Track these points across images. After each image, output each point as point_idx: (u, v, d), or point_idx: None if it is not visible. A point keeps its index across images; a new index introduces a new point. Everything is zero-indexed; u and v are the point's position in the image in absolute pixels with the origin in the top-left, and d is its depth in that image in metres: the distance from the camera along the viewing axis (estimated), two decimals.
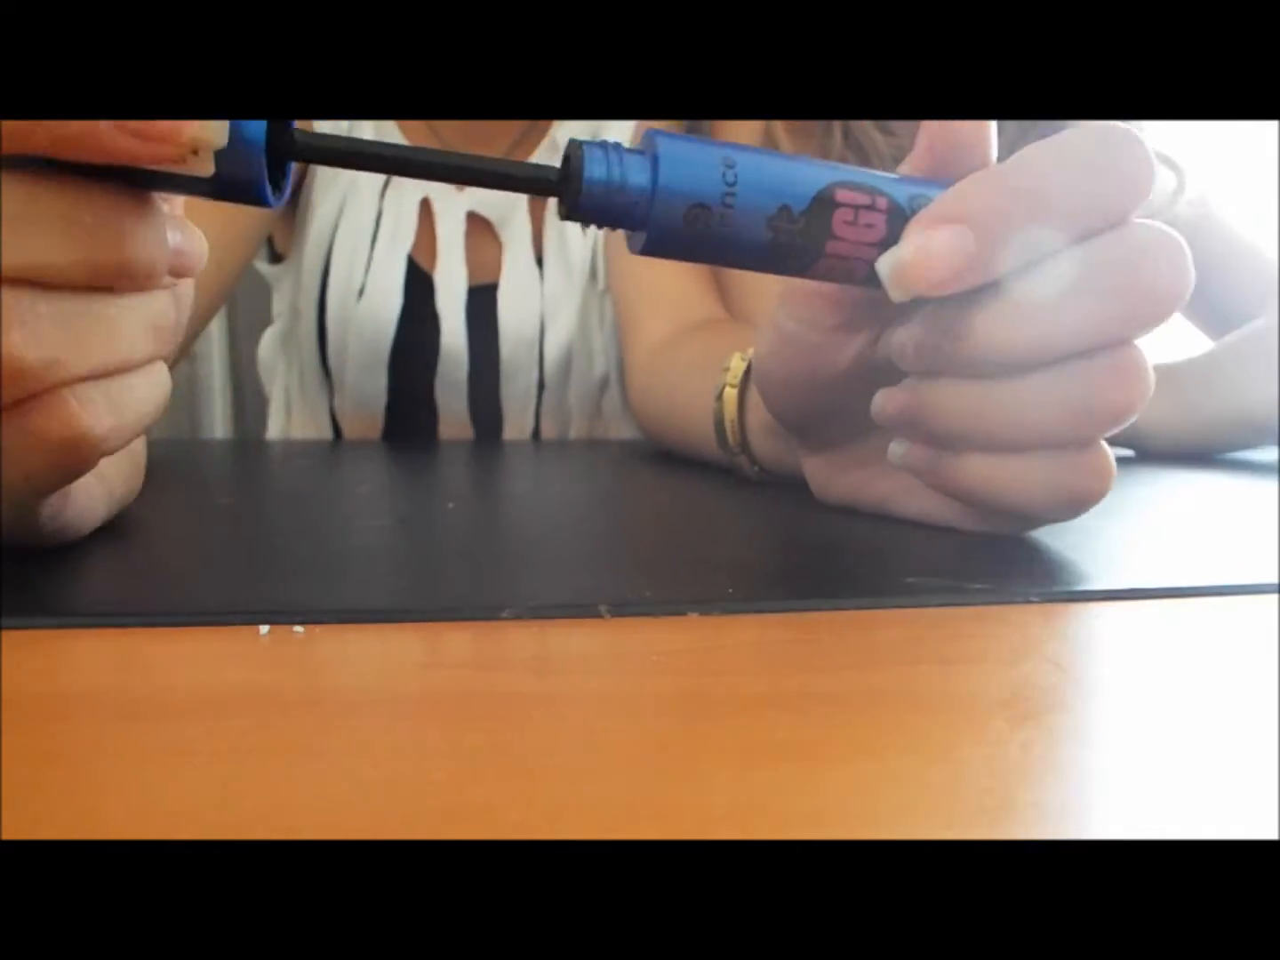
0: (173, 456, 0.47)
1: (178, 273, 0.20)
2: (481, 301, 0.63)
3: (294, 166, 0.20)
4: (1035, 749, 0.13)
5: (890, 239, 0.21)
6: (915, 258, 0.20)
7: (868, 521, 0.28)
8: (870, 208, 0.21)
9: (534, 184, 0.20)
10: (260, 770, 0.12)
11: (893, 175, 0.22)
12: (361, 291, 0.62)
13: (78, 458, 0.18)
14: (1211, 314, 0.70)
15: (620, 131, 0.64)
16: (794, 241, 0.21)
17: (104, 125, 0.16)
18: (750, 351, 0.36)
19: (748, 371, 0.36)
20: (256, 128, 0.18)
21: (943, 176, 0.22)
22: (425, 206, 0.64)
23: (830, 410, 0.28)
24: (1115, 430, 0.22)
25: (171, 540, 0.25)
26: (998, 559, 0.23)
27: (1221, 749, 0.13)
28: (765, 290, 0.59)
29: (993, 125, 0.21)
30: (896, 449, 0.26)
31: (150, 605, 0.18)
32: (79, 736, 0.12)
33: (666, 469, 0.42)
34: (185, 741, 0.12)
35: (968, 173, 0.21)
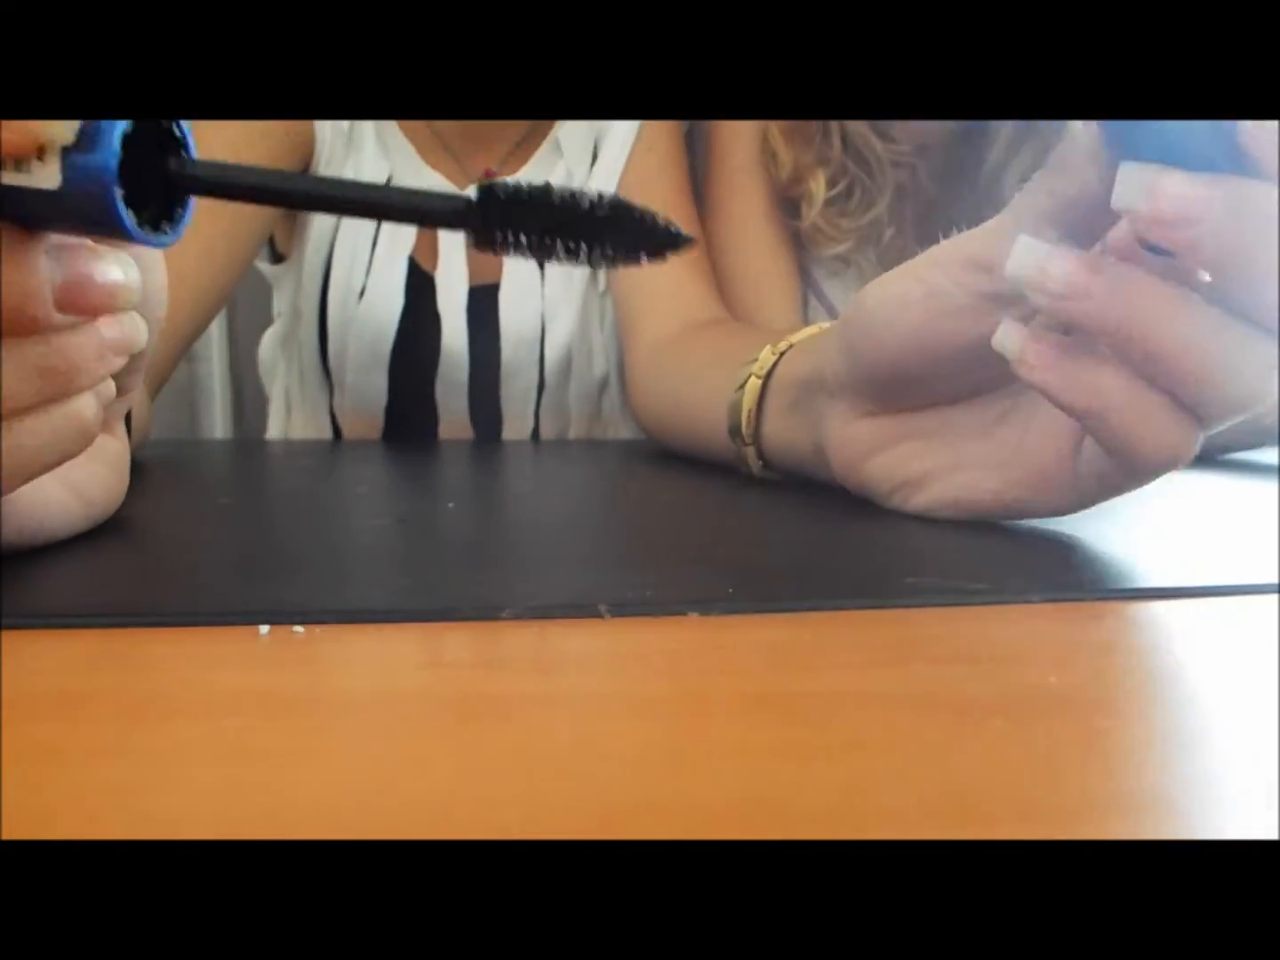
0: (173, 456, 0.47)
1: (100, 309, 0.19)
2: (482, 302, 0.63)
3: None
4: (1035, 749, 0.13)
5: None
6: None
7: (868, 521, 0.28)
8: None
9: (441, 217, 0.17)
10: (260, 770, 0.12)
11: None
12: (362, 292, 0.62)
13: None
14: None
15: (622, 131, 0.64)
16: None
17: None
18: (782, 345, 0.37)
19: (775, 364, 0.37)
20: (106, 144, 0.16)
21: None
22: None
23: (924, 375, 0.28)
24: (1236, 417, 0.22)
25: (171, 540, 0.25)
26: (998, 559, 0.23)
27: (1221, 749, 0.13)
28: (765, 287, 0.60)
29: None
30: (1013, 335, 0.24)
31: (150, 605, 0.18)
32: (79, 736, 0.12)
33: (666, 469, 0.42)
34: (185, 741, 0.12)
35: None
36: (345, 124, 0.64)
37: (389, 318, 0.62)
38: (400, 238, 0.63)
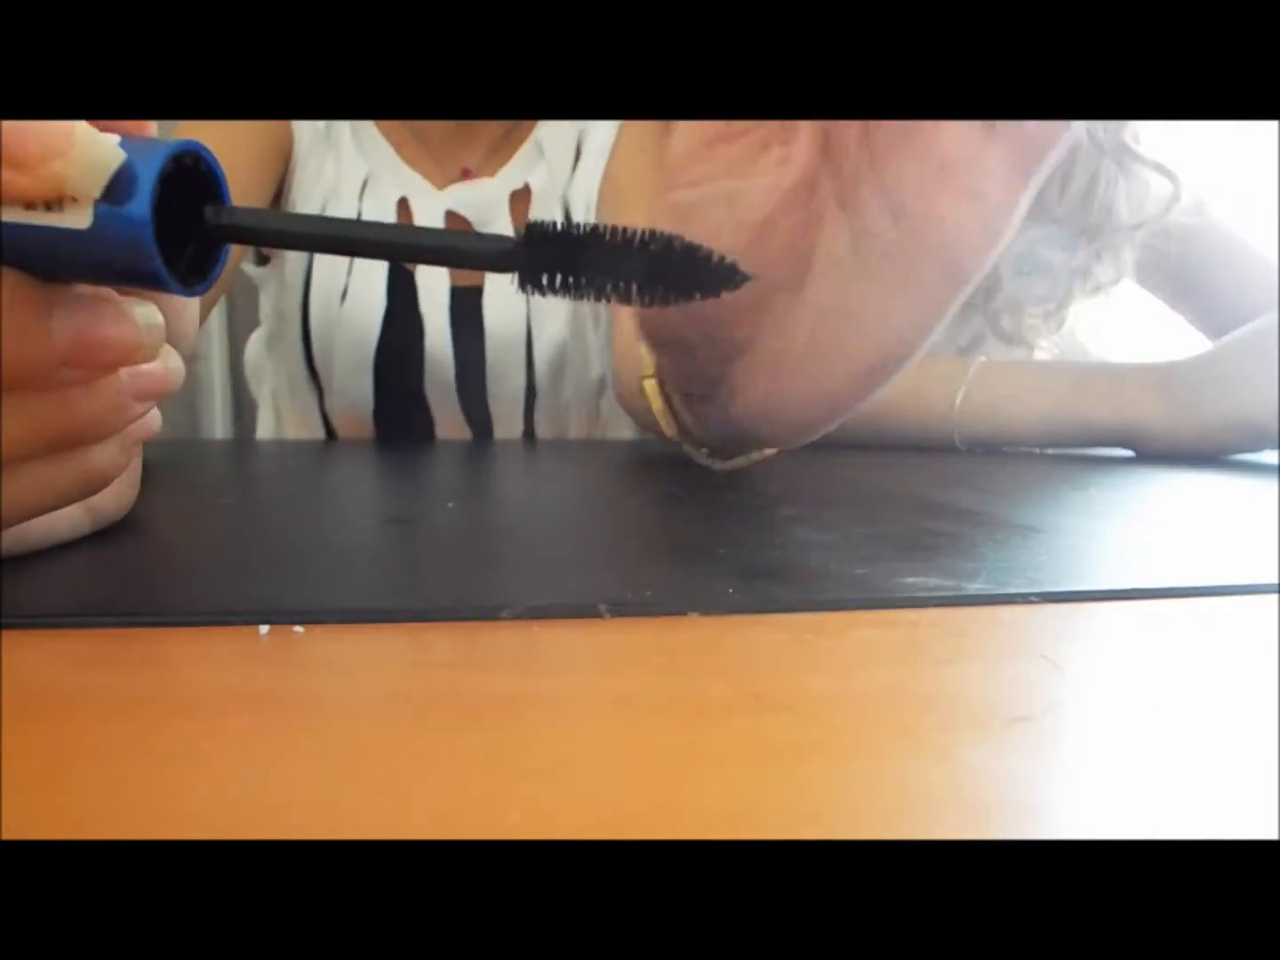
0: (173, 456, 0.47)
1: (114, 367, 0.18)
2: (467, 303, 0.63)
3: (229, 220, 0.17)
4: (1034, 749, 0.13)
5: None
6: None
7: (867, 522, 0.28)
8: None
9: (487, 258, 0.17)
10: (260, 770, 0.12)
11: None
12: (345, 294, 0.62)
13: None
14: (1210, 316, 0.71)
15: (603, 132, 0.64)
16: None
17: None
18: None
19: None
20: (143, 186, 0.15)
21: None
22: (404, 206, 0.64)
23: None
24: None
25: (171, 540, 0.25)
26: (997, 559, 0.23)
27: (1221, 749, 0.13)
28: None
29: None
30: None
31: (150, 605, 0.18)
32: (79, 736, 0.12)
33: (666, 469, 0.42)
34: (185, 741, 0.12)
35: None
36: (322, 123, 0.64)
37: (372, 320, 0.62)
38: None
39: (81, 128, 0.15)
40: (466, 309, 0.63)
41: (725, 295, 0.20)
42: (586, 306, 0.66)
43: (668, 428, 0.35)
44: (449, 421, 0.65)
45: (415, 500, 0.34)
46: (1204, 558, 0.25)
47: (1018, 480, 0.42)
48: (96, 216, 0.15)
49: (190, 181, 0.17)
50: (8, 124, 0.15)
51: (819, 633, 0.18)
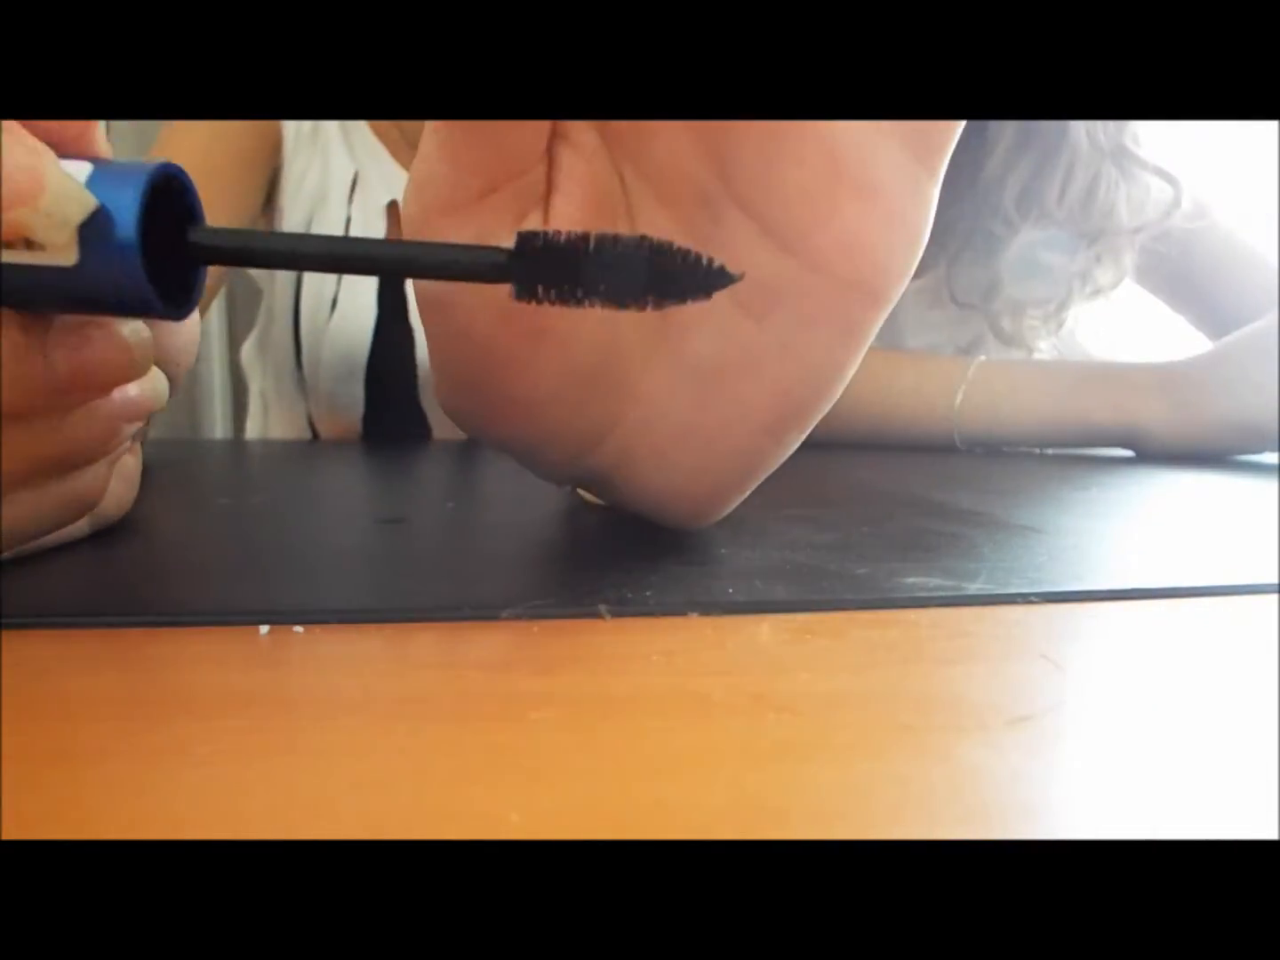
0: (173, 456, 0.47)
1: (107, 389, 0.18)
2: None
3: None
4: (1034, 749, 0.13)
5: None
6: None
7: (867, 522, 0.28)
8: None
9: (478, 271, 0.16)
10: (260, 770, 0.12)
11: None
12: (335, 303, 0.62)
13: None
14: (1211, 317, 0.71)
15: None
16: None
17: None
18: None
19: None
20: (126, 210, 0.15)
21: None
22: (395, 208, 0.63)
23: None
24: None
25: (171, 540, 0.25)
26: (998, 559, 0.23)
27: (1221, 749, 0.13)
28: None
29: None
30: None
31: (150, 605, 0.18)
32: (79, 736, 0.12)
33: None
34: (185, 741, 0.12)
35: None
36: (308, 123, 0.64)
37: (363, 329, 0.62)
38: None
39: (54, 173, 0.15)
40: None
41: (539, 387, 0.20)
42: None
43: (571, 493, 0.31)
44: (446, 427, 0.65)
45: (415, 500, 0.34)
46: (1204, 558, 0.25)
47: (1018, 480, 0.42)
48: (83, 252, 0.15)
49: (166, 201, 0.17)
50: None
51: (819, 633, 0.18)
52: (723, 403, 0.21)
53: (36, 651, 0.16)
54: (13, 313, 0.16)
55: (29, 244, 0.15)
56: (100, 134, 0.17)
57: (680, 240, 0.17)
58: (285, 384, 0.65)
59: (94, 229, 0.15)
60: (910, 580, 0.21)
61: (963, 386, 0.58)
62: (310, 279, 0.62)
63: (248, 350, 0.72)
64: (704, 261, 0.16)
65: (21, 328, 0.16)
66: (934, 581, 0.21)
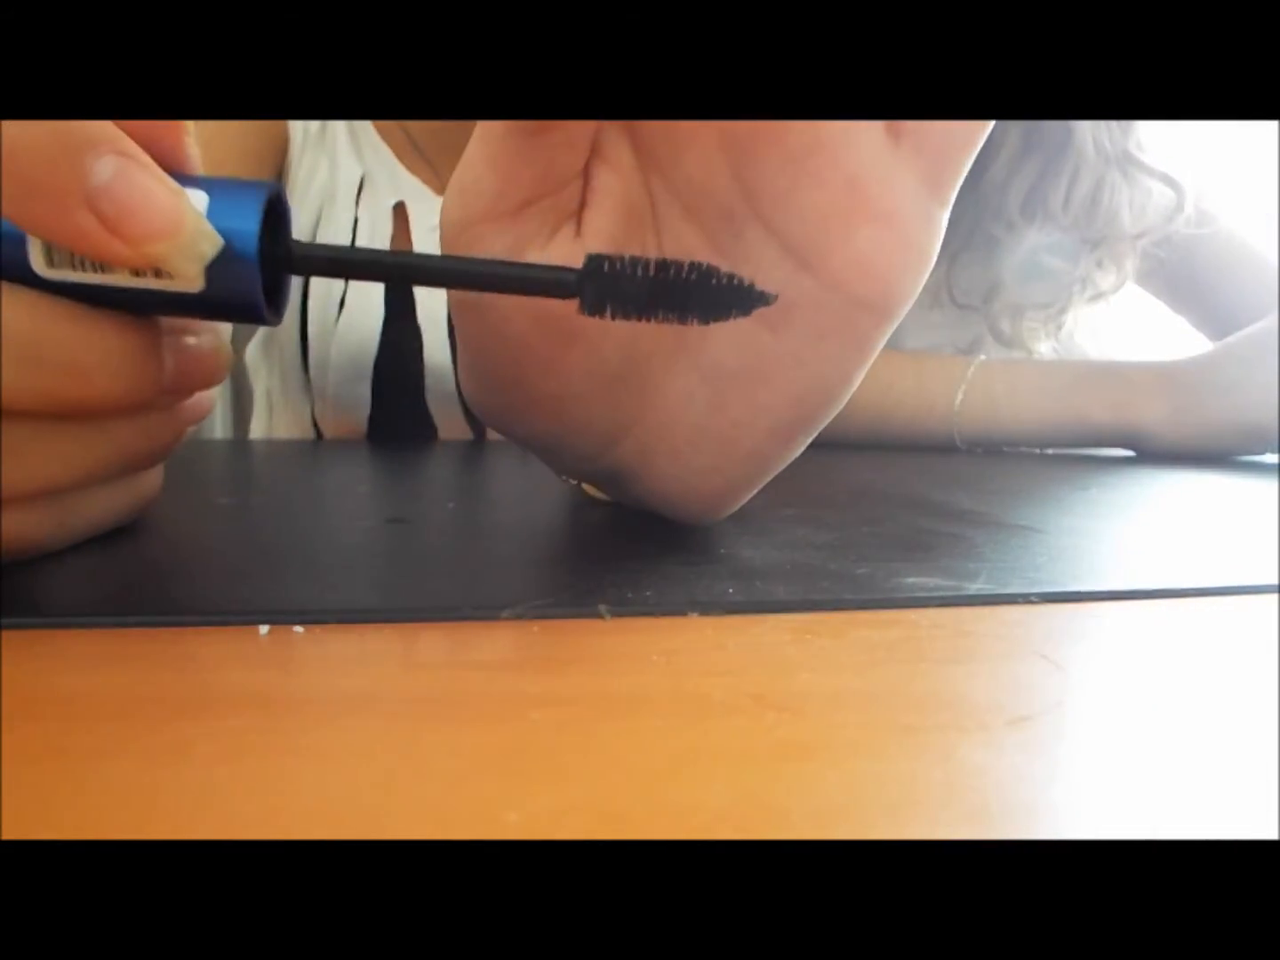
0: (173, 456, 0.47)
1: (182, 393, 0.19)
2: None
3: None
4: (1034, 749, 0.13)
5: None
6: None
7: (867, 522, 0.28)
8: None
9: (552, 288, 0.18)
10: (260, 770, 0.12)
11: None
12: (342, 303, 0.62)
13: (15, 555, 0.19)
14: (1213, 319, 0.71)
15: None
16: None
17: (76, 212, 0.15)
18: None
19: None
20: (247, 239, 0.17)
21: None
22: (401, 211, 0.63)
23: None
24: None
25: (171, 540, 0.25)
26: (998, 559, 0.23)
27: (1221, 749, 0.13)
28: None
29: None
30: None
31: (150, 605, 0.18)
32: (79, 736, 0.12)
33: None
34: (185, 741, 0.12)
35: None
36: (315, 124, 0.64)
37: (370, 330, 0.61)
38: (377, 244, 0.62)
39: (190, 213, 0.16)
40: None
41: (568, 386, 0.21)
42: None
43: (572, 489, 0.31)
44: (451, 427, 0.65)
45: (415, 500, 0.34)
46: (1204, 558, 0.25)
47: (1018, 480, 0.42)
48: (209, 279, 0.17)
49: (269, 217, 0.18)
50: (124, 186, 0.16)
51: (819, 633, 0.18)
52: (737, 407, 0.22)
53: (36, 651, 0.16)
54: (130, 316, 0.18)
55: (158, 272, 0.17)
56: (191, 144, 0.18)
57: (704, 254, 0.19)
58: (291, 384, 0.65)
59: (219, 258, 0.17)
60: (910, 580, 0.21)
61: (963, 386, 0.58)
62: (317, 283, 0.62)
63: (252, 351, 0.72)
64: (745, 284, 0.18)
65: (138, 329, 0.18)
66: (934, 581, 0.21)
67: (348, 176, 0.63)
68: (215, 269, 0.17)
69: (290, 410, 0.67)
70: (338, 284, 0.62)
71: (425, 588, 0.20)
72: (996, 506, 0.32)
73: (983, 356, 0.60)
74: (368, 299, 0.62)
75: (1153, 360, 0.57)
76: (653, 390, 0.22)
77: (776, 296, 0.18)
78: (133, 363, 0.18)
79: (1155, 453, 0.54)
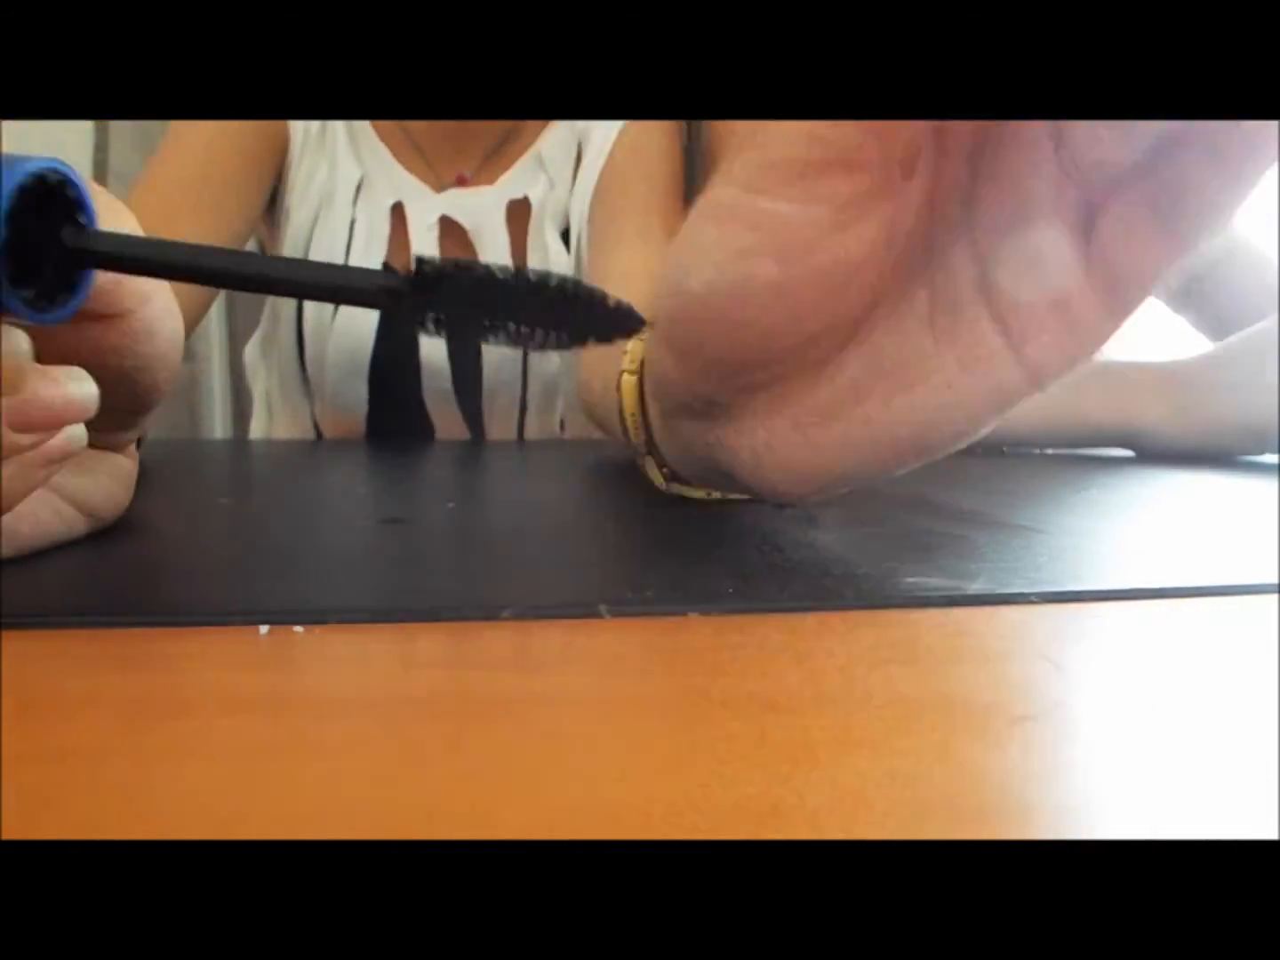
0: (173, 456, 0.47)
1: (46, 429, 0.17)
2: None
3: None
4: (1035, 749, 0.13)
5: None
6: None
7: (867, 522, 0.28)
8: None
9: (369, 296, 0.16)
10: (260, 770, 0.12)
11: None
12: None
13: None
14: (1214, 319, 0.71)
15: (601, 136, 0.64)
16: None
17: None
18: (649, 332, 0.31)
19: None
20: None
21: None
22: (399, 211, 0.63)
23: (809, 340, 0.22)
24: None
25: (171, 540, 0.25)
26: (998, 559, 0.23)
27: (1221, 749, 0.13)
28: None
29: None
30: None
31: (150, 605, 0.18)
32: (79, 736, 0.12)
33: None
34: (185, 741, 0.12)
35: None
36: (315, 125, 0.64)
37: (366, 328, 0.62)
38: (374, 243, 0.62)
39: None
40: None
41: (770, 320, 0.21)
42: None
43: (634, 433, 0.31)
44: (448, 426, 0.65)
45: (415, 500, 0.34)
46: (1204, 558, 0.25)
47: (1018, 480, 0.42)
48: None
49: (52, 200, 0.16)
50: None
51: (819, 633, 0.18)
52: (874, 403, 0.22)
53: (36, 651, 0.16)
54: None
55: None
56: None
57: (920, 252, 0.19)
58: (290, 384, 0.65)
59: None
60: (910, 580, 0.21)
61: None
62: None
63: (251, 352, 0.72)
64: (611, 303, 0.16)
65: None
66: (934, 581, 0.21)
67: (346, 178, 0.63)
68: None
69: (290, 410, 0.67)
70: None
71: (425, 588, 0.20)
72: (996, 506, 0.32)
73: None
74: None
75: (1153, 360, 0.57)
76: (816, 356, 0.22)
77: (644, 322, 0.17)
78: None
79: (1155, 453, 0.54)
